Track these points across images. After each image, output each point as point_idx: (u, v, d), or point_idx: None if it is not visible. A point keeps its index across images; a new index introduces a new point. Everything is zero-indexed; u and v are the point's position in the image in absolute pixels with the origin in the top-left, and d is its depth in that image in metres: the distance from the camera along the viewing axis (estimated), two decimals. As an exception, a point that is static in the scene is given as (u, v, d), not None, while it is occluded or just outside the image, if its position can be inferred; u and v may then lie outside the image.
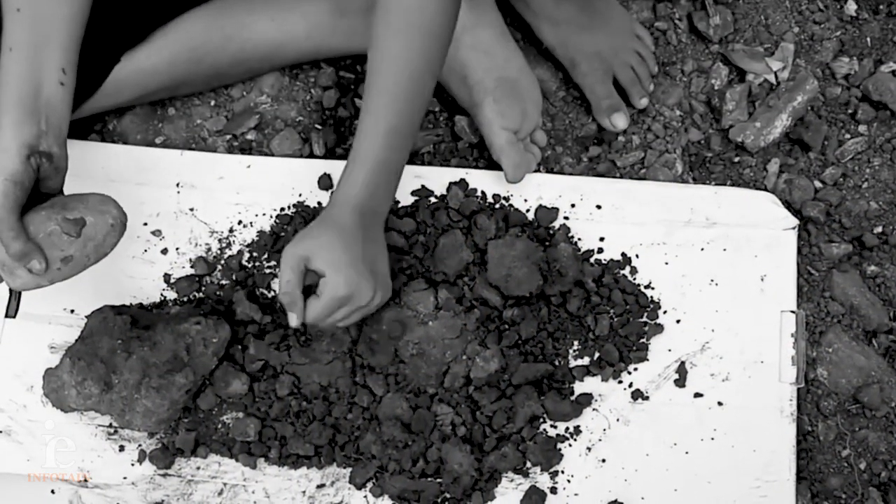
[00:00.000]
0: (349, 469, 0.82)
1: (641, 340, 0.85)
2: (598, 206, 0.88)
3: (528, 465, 0.82)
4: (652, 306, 0.86)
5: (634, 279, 0.87)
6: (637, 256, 0.87)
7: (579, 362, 0.85)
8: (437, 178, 0.89)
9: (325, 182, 0.88)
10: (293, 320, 0.76)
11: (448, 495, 0.81)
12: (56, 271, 0.71)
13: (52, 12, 0.71)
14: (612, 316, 0.85)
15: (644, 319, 0.86)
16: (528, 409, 0.82)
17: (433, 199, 0.88)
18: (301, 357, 0.82)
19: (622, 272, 0.87)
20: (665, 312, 0.86)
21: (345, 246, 0.74)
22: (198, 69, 0.87)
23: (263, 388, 0.83)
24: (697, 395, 0.84)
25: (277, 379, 0.83)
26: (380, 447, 0.81)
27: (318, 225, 0.75)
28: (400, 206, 0.88)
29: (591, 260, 0.87)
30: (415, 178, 0.88)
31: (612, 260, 0.87)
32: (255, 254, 0.87)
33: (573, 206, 0.88)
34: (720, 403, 0.84)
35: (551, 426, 0.83)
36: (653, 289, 0.87)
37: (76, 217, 0.71)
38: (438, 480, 0.81)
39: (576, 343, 0.85)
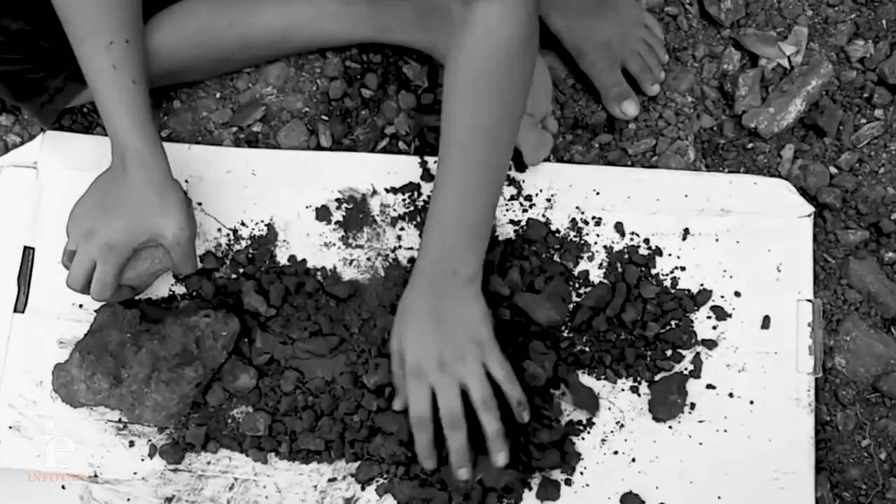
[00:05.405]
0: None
1: (678, 350, 0.84)
2: (604, 195, 0.87)
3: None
4: (689, 332, 0.84)
5: (663, 287, 0.85)
6: (652, 248, 0.86)
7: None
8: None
9: (323, 214, 0.87)
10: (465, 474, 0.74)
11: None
12: (150, 279, 0.80)
13: (140, 37, 0.78)
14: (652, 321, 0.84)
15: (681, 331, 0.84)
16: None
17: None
18: (304, 352, 0.82)
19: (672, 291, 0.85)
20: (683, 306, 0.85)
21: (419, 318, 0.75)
22: (201, 54, 0.86)
23: (269, 383, 0.82)
24: (712, 386, 0.83)
25: (283, 374, 0.82)
26: (388, 453, 0.80)
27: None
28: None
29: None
30: (418, 167, 0.88)
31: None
32: (262, 248, 0.86)
33: (586, 197, 0.87)
34: (736, 394, 0.83)
35: (558, 423, 0.82)
36: (672, 279, 0.85)
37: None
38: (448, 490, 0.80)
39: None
